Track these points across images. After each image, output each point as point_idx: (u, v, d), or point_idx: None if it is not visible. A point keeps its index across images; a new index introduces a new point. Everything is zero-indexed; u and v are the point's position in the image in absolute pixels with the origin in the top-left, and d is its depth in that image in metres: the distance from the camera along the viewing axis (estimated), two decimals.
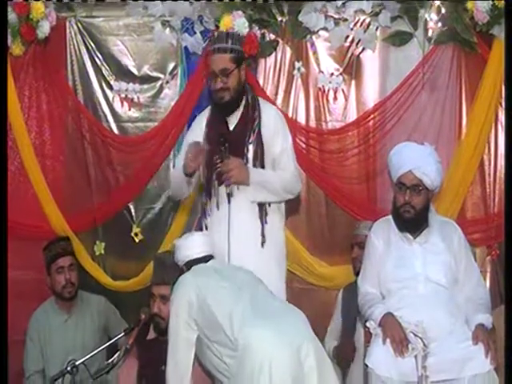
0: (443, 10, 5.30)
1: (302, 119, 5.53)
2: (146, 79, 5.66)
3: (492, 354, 3.98)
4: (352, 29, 5.38)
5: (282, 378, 3.51)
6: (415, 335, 4.09)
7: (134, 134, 5.71)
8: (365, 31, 5.36)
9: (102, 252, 5.70)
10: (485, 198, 5.38)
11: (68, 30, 5.64)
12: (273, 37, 5.47)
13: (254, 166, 4.43)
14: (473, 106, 5.29)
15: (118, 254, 5.73)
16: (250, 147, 4.44)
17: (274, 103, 5.32)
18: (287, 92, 5.53)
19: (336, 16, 5.36)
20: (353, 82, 5.49)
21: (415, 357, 4.02)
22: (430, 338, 4.08)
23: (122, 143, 5.68)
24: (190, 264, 4.08)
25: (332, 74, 5.48)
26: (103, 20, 5.65)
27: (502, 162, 5.28)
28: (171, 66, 5.62)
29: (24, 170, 5.61)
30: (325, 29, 5.40)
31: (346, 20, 5.35)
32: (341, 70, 5.47)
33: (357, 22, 5.38)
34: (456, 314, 4.20)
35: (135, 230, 5.66)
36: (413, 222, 4.33)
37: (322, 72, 5.49)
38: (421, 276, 4.25)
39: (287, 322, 3.70)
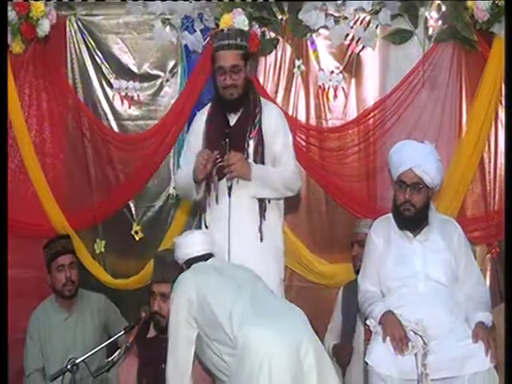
0: (443, 8, 5.30)
1: (302, 117, 5.53)
2: (146, 77, 5.66)
3: (492, 352, 3.98)
4: (352, 27, 5.38)
5: (282, 377, 3.51)
6: (415, 333, 4.08)
7: (134, 132, 5.72)
8: (365, 29, 5.36)
9: (103, 250, 5.71)
10: (485, 196, 5.39)
11: (68, 29, 5.65)
12: (273, 35, 5.48)
13: (255, 161, 4.43)
14: (473, 104, 5.29)
15: (119, 252, 5.73)
16: (251, 142, 4.45)
17: (274, 101, 5.33)
18: (287, 90, 5.54)
19: (336, 14, 5.37)
20: (353, 80, 5.49)
21: (415, 355, 4.01)
22: (430, 336, 4.07)
23: (122, 141, 5.68)
24: (190, 262, 4.08)
25: (332, 72, 5.48)
26: (103, 18, 5.66)
27: (502, 159, 5.28)
28: (171, 64, 5.62)
29: (24, 168, 5.61)
30: (325, 27, 5.40)
31: (346, 18, 5.35)
32: (341, 68, 5.47)
33: (357, 20, 5.38)
34: (456, 312, 4.20)
35: (135, 228, 5.67)
36: (413, 220, 4.33)
37: (322, 70, 5.49)
38: (421, 274, 4.25)
39: (287, 321, 3.69)
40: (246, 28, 5.18)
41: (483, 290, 4.39)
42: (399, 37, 5.36)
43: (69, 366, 4.09)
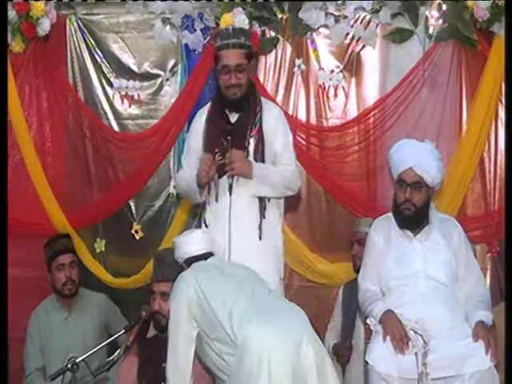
0: (444, 7, 5.30)
1: (302, 116, 5.53)
2: (147, 76, 5.66)
3: (492, 351, 3.98)
4: (352, 26, 5.39)
5: (282, 376, 3.51)
6: (415, 332, 4.09)
7: (135, 132, 5.72)
8: (365, 28, 5.36)
9: (103, 249, 5.71)
10: (485, 195, 5.39)
11: (68, 28, 5.66)
12: (273, 34, 5.48)
13: (255, 160, 4.43)
14: (473, 103, 5.29)
15: (119, 252, 5.74)
16: (251, 141, 4.45)
17: (274, 100, 5.33)
18: (287, 89, 5.54)
19: (336, 13, 5.37)
20: (353, 79, 5.49)
21: (415, 354, 4.02)
22: (430, 336, 4.08)
23: (123, 140, 5.68)
24: (190, 261, 4.08)
25: (332, 71, 5.49)
26: (103, 17, 5.66)
27: (502, 158, 5.28)
28: (171, 63, 5.62)
29: (24, 167, 5.61)
30: (325, 26, 5.40)
31: (346, 17, 5.36)
32: (341, 67, 5.47)
33: (357, 19, 5.39)
34: (456, 311, 4.21)
35: (136, 227, 5.67)
36: (413, 219, 4.33)
37: (323, 69, 5.50)
38: (421, 273, 4.25)
39: (287, 320, 3.69)
40: (247, 27, 5.18)
41: (483, 289, 4.40)
42: (399, 36, 5.36)
43: (69, 366, 4.08)
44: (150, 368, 4.20)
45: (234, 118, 4.49)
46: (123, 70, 5.67)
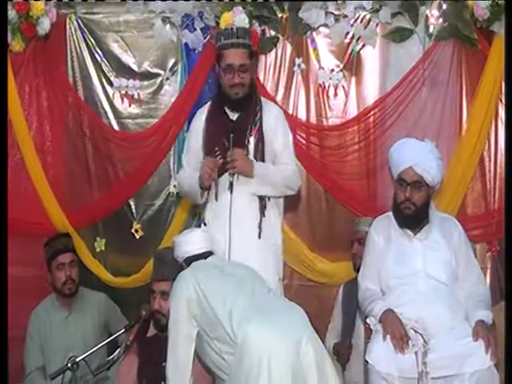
0: (444, 7, 5.30)
1: (302, 115, 5.53)
2: (147, 75, 5.66)
3: (492, 351, 3.98)
4: (352, 25, 5.39)
5: (282, 374, 3.51)
6: (415, 331, 4.08)
7: (135, 131, 5.72)
8: (365, 27, 5.36)
9: (103, 248, 5.72)
10: (485, 194, 5.39)
11: (68, 27, 5.66)
12: (273, 33, 5.48)
13: (255, 158, 4.44)
14: (473, 102, 5.29)
15: (119, 251, 5.74)
16: (251, 140, 4.45)
17: (274, 99, 5.34)
18: (287, 88, 5.54)
19: (336, 12, 5.37)
20: (353, 79, 5.49)
21: (415, 353, 4.01)
22: (430, 335, 4.08)
23: (123, 139, 5.69)
24: (190, 260, 4.08)
25: (332, 70, 5.49)
26: (103, 16, 5.66)
27: (502, 158, 5.28)
28: (171, 62, 5.62)
29: (24, 167, 5.61)
30: (325, 25, 5.41)
31: (346, 16, 5.36)
32: (341, 66, 5.47)
33: (357, 18, 5.39)
34: (456, 311, 4.20)
35: (136, 226, 5.67)
36: (413, 219, 4.33)
37: (323, 68, 5.50)
38: (421, 272, 4.25)
39: (286, 318, 3.70)
40: (247, 26, 5.17)
41: (483, 288, 4.40)
42: (399, 35, 5.36)
43: (69, 365, 4.08)
44: (150, 367, 4.21)
45: (233, 116, 4.50)
46: (123, 69, 5.67)
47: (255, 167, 4.38)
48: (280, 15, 5.43)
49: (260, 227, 4.42)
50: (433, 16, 5.33)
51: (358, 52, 5.45)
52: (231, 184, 4.38)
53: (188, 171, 4.56)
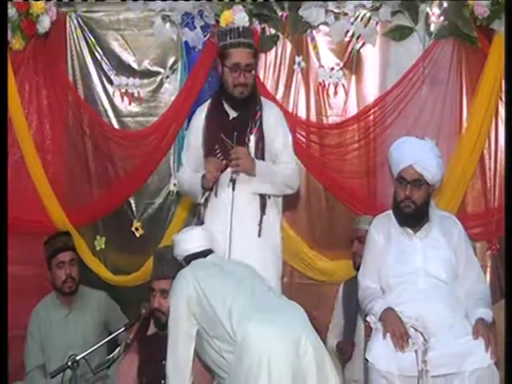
0: (444, 5, 5.30)
1: (302, 114, 5.53)
2: (147, 74, 5.66)
3: (492, 349, 3.98)
4: (352, 23, 5.38)
5: (282, 373, 3.51)
6: (415, 330, 4.09)
7: (135, 129, 5.71)
8: (365, 26, 5.36)
9: (103, 247, 5.71)
10: (485, 192, 5.39)
11: (68, 25, 5.64)
12: (273, 31, 5.47)
13: (256, 157, 4.45)
14: (473, 100, 5.29)
15: (119, 249, 5.73)
16: (252, 138, 4.46)
17: (274, 98, 5.34)
18: (287, 87, 5.54)
19: (336, 10, 5.36)
20: (353, 77, 5.49)
21: (415, 351, 4.02)
22: (430, 333, 4.08)
23: (123, 138, 5.68)
24: (189, 258, 4.08)
25: (332, 68, 5.48)
26: (103, 15, 5.65)
27: (502, 156, 5.28)
28: (171, 60, 5.62)
29: (24, 165, 5.60)
30: (325, 23, 5.40)
31: (346, 14, 5.36)
32: (341, 64, 5.47)
33: (357, 16, 5.38)
34: (456, 309, 4.21)
35: (136, 224, 5.67)
36: (413, 217, 4.33)
37: (323, 66, 5.50)
38: (421, 271, 4.25)
39: (286, 317, 3.70)
40: (247, 24, 5.17)
41: (483, 286, 4.40)
42: (399, 33, 5.36)
43: (69, 363, 4.07)
44: (150, 365, 4.21)
45: (233, 115, 4.51)
46: (123, 68, 5.67)
47: (257, 166, 4.39)
48: (280, 13, 5.42)
49: (260, 225, 4.43)
50: (433, 14, 5.33)
51: (358, 50, 5.44)
52: (234, 182, 4.39)
53: (188, 170, 4.57)
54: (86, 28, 5.65)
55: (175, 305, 3.88)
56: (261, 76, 5.47)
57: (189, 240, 4.17)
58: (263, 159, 4.46)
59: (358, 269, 4.63)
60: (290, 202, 5.04)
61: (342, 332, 5.06)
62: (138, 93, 5.66)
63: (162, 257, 4.34)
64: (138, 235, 5.66)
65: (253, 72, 4.49)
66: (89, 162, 5.68)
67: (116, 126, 5.71)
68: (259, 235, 4.43)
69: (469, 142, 5.28)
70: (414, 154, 4.28)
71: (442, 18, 5.32)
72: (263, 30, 5.44)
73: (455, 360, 4.01)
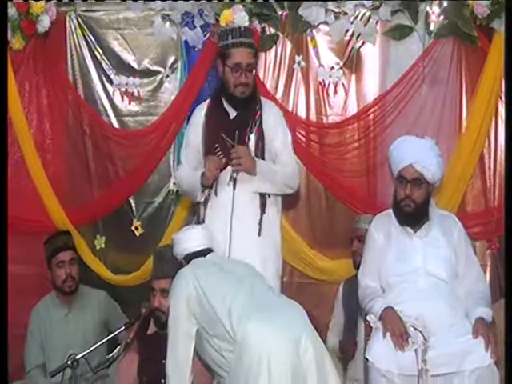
0: (444, 4, 5.30)
1: (302, 113, 5.53)
2: (146, 73, 5.66)
3: (492, 348, 3.99)
4: (352, 23, 5.38)
5: (281, 372, 3.51)
6: (415, 329, 4.09)
7: (135, 128, 5.71)
8: (365, 25, 5.36)
9: (103, 246, 5.71)
10: (485, 191, 5.39)
11: (68, 24, 5.64)
12: (273, 31, 5.47)
13: (256, 156, 4.45)
14: (473, 99, 5.29)
15: (119, 248, 5.73)
16: (252, 137, 4.47)
17: (274, 97, 5.34)
18: (287, 86, 5.53)
19: (336, 10, 5.36)
20: (353, 76, 5.49)
21: (415, 350, 4.02)
22: (430, 332, 4.08)
23: (123, 137, 5.68)
24: (189, 257, 4.08)
25: (332, 67, 5.48)
26: (103, 14, 5.65)
27: (502, 155, 5.28)
28: (171, 59, 5.61)
29: (24, 164, 5.60)
30: (325, 23, 5.40)
31: (346, 14, 5.35)
32: (341, 63, 5.47)
33: (357, 15, 5.38)
34: (456, 308, 4.21)
35: (136, 223, 5.67)
36: (413, 216, 4.33)
37: (323, 66, 5.49)
38: (421, 270, 4.25)
39: (286, 316, 3.70)
40: (247, 24, 5.17)
41: (483, 285, 4.40)
42: (399, 32, 5.36)
43: (69, 362, 4.08)
44: (150, 365, 4.21)
45: (233, 114, 4.51)
46: (123, 67, 5.67)
47: (257, 165, 4.40)
48: (280, 13, 5.42)
49: (260, 224, 4.43)
50: (432, 13, 5.33)
51: (358, 49, 5.44)
52: (234, 181, 4.39)
53: (187, 168, 4.57)
54: (85, 27, 5.65)
55: (175, 304, 3.88)
56: (261, 75, 5.47)
57: (188, 239, 4.17)
58: (263, 158, 4.47)
59: (357, 268, 4.63)
60: (290, 202, 5.04)
61: (342, 331, 5.05)
62: (138, 92, 5.66)
63: (161, 256, 4.34)
64: (137, 234, 5.66)
65: (253, 71, 4.50)
66: (89, 162, 5.68)
67: (116, 125, 5.71)
68: (259, 234, 4.43)
69: (469, 141, 5.28)
70: (414, 153, 4.29)
71: (441, 18, 5.32)
72: (263, 29, 5.44)
73: (455, 359, 4.01)
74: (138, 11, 5.58)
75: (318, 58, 5.49)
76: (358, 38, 5.41)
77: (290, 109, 5.47)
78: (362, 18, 5.38)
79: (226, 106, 4.51)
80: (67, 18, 5.63)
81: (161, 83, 5.66)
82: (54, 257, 5.09)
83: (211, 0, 5.35)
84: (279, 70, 5.52)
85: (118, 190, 5.66)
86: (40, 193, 5.57)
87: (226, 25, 5.13)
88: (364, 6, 5.34)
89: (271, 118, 4.53)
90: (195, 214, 4.96)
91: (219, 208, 4.44)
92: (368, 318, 4.27)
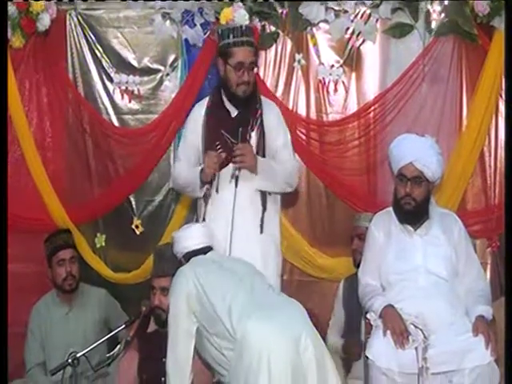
0: (444, 2, 5.30)
1: (302, 111, 5.53)
2: (147, 71, 5.65)
3: (492, 346, 3.99)
4: (352, 21, 5.38)
5: (282, 371, 3.51)
6: (416, 327, 4.09)
7: (135, 127, 5.71)
8: (365, 23, 5.36)
9: (103, 244, 5.71)
10: (485, 189, 5.39)
11: (68, 23, 5.63)
12: (273, 29, 5.47)
13: (257, 154, 4.45)
14: (473, 97, 5.29)
15: (119, 247, 5.73)
16: (253, 135, 4.47)
17: (274, 95, 5.34)
18: (288, 84, 5.53)
19: (336, 8, 5.36)
20: (353, 74, 5.49)
21: (416, 348, 4.02)
22: (431, 330, 4.08)
23: (123, 135, 5.68)
24: (189, 256, 4.08)
25: (332, 65, 5.48)
26: (103, 12, 5.65)
27: (502, 153, 5.28)
28: (171, 58, 5.61)
29: (24, 163, 5.60)
30: (325, 21, 5.40)
31: (346, 12, 5.35)
32: (341, 61, 5.46)
33: (357, 13, 5.38)
34: (456, 306, 4.21)
35: (136, 222, 5.67)
36: (413, 214, 4.33)
37: (323, 64, 5.49)
38: (421, 268, 4.25)
39: (286, 314, 3.70)
40: (247, 22, 5.18)
41: (483, 283, 4.40)
42: (399, 30, 5.36)
43: (70, 360, 4.08)
44: (151, 363, 4.21)
45: (234, 113, 4.51)
46: (123, 65, 5.66)
47: (259, 163, 4.40)
48: (280, 11, 5.41)
49: (262, 221, 4.44)
50: (432, 11, 5.33)
51: (358, 48, 5.44)
52: (237, 178, 4.40)
53: (185, 164, 4.56)
54: (85, 26, 5.65)
55: (175, 302, 3.88)
56: (261, 74, 5.46)
57: (188, 237, 4.16)
58: (264, 156, 4.48)
59: (358, 266, 4.63)
60: (290, 200, 5.05)
61: (343, 330, 5.05)
62: (138, 90, 5.66)
63: (162, 254, 4.34)
64: (138, 233, 5.66)
65: (255, 70, 4.50)
66: (89, 160, 5.68)
67: (116, 123, 5.70)
68: (261, 231, 4.44)
69: (469, 139, 5.28)
70: (415, 151, 4.28)
71: (442, 16, 5.33)
72: (263, 27, 5.43)
73: (455, 357, 4.01)
74: (138, 9, 5.58)
75: (319, 56, 5.49)
76: (358, 36, 5.41)
77: (290, 107, 5.48)
78: (362, 16, 5.38)
79: (227, 104, 4.52)
80: (67, 16, 5.62)
81: (161, 81, 5.66)
82: (55, 255, 5.09)
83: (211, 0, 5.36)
84: (279, 68, 5.52)
85: (119, 189, 5.66)
86: (40, 191, 5.57)
87: (226, 23, 5.13)
88: (364, 4, 5.34)
89: (272, 117, 4.54)
90: (195, 212, 4.97)
91: (221, 205, 4.44)
92: (368, 316, 4.27)
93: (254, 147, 4.46)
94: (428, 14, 5.35)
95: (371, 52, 5.46)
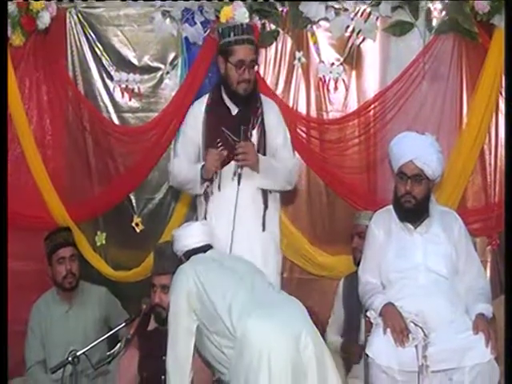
0: (444, 0, 5.30)
1: (302, 109, 5.53)
2: (147, 69, 5.65)
3: (492, 344, 3.99)
4: (352, 19, 5.37)
5: (282, 369, 3.51)
6: (416, 325, 4.09)
7: (135, 125, 5.71)
8: (365, 21, 5.35)
9: (103, 242, 5.72)
10: (485, 187, 5.39)
11: (68, 21, 5.64)
12: (273, 27, 5.46)
13: (258, 152, 4.45)
14: (473, 95, 5.29)
15: (119, 245, 5.74)
16: (254, 133, 4.48)
17: (274, 93, 5.34)
18: (288, 82, 5.53)
19: (336, 6, 5.35)
20: (353, 72, 5.48)
21: (416, 346, 4.02)
22: (431, 328, 4.08)
23: (123, 133, 5.68)
24: (189, 254, 4.08)
25: (333, 64, 5.48)
26: (103, 10, 5.65)
27: (502, 151, 5.28)
28: (172, 56, 5.61)
29: (24, 161, 5.61)
30: (325, 19, 5.39)
31: (346, 10, 5.35)
32: (341, 59, 5.46)
33: (357, 11, 5.38)
34: (456, 304, 4.21)
35: (136, 220, 5.67)
36: (413, 212, 4.33)
37: (323, 62, 5.49)
38: (421, 266, 4.25)
39: (286, 313, 3.70)
40: (247, 20, 5.17)
41: (483, 281, 4.40)
42: (400, 29, 5.35)
43: (70, 359, 4.09)
44: (151, 361, 4.21)
45: (234, 110, 4.51)
46: (123, 63, 5.66)
47: (260, 161, 4.41)
48: (280, 9, 5.41)
49: (264, 219, 4.44)
50: (433, 9, 5.33)
51: (359, 46, 5.44)
52: (239, 176, 4.40)
53: (184, 161, 4.55)
54: (86, 24, 5.65)
55: (175, 300, 3.88)
56: (261, 72, 5.46)
57: (188, 235, 4.17)
58: (264, 155, 4.48)
59: (358, 264, 4.63)
60: (290, 198, 5.04)
61: (343, 328, 5.05)
62: (139, 88, 5.66)
63: (162, 252, 4.34)
64: (138, 231, 5.67)
65: (255, 68, 4.51)
66: (89, 158, 5.69)
67: (116, 121, 5.71)
68: (263, 229, 4.45)
69: (469, 137, 5.28)
70: (415, 149, 4.28)
71: (442, 14, 5.32)
72: (263, 25, 5.43)
73: (455, 355, 4.01)
74: (138, 8, 5.58)
75: (319, 54, 5.49)
76: (358, 34, 5.40)
77: (290, 105, 5.48)
78: (362, 14, 5.37)
79: (228, 102, 4.52)
80: (67, 14, 5.63)
81: (161, 80, 5.66)
82: (55, 253, 5.09)
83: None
84: (280, 66, 5.52)
85: (119, 187, 5.66)
86: (40, 189, 5.58)
87: (227, 21, 5.13)
88: (364, 2, 5.34)
89: (272, 116, 4.55)
90: (196, 211, 4.97)
91: (222, 203, 4.44)
92: (368, 314, 4.27)
93: (255, 145, 4.46)
94: (428, 11, 5.34)
95: (371, 50, 5.46)
